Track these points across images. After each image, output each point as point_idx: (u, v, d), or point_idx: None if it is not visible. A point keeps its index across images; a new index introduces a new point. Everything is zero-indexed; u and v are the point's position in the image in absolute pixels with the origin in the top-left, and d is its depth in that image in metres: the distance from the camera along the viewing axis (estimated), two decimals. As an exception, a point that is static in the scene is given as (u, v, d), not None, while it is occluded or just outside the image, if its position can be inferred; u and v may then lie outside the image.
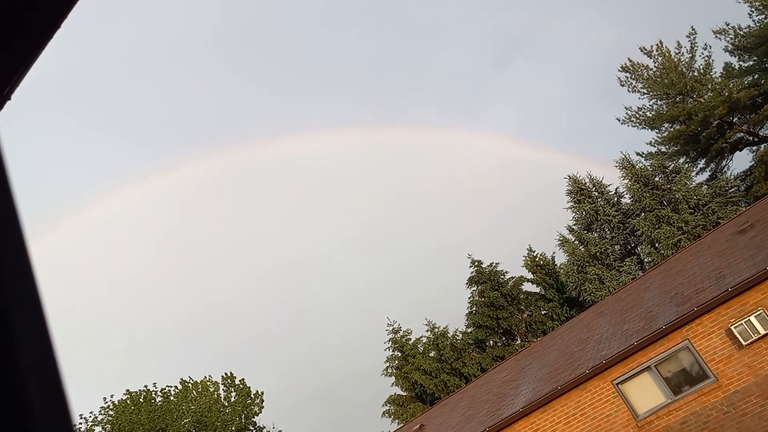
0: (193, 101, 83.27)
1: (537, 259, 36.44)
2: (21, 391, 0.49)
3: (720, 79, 32.56)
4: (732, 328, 13.21)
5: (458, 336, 36.49)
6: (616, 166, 33.00)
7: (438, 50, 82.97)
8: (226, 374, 37.98)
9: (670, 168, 32.18)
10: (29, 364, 0.51)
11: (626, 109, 35.39)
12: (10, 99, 1.42)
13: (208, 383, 37.51)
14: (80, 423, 33.47)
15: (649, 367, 14.23)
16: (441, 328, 36.81)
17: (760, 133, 32.76)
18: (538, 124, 75.44)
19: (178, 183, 76.61)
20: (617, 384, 14.56)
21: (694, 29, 33.09)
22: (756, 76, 31.83)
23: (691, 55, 33.36)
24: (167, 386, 36.81)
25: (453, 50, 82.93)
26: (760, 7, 31.08)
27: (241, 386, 37.82)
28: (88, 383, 38.20)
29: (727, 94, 31.33)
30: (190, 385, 37.24)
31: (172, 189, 77.94)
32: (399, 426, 32.33)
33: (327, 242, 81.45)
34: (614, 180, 39.26)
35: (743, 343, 13.06)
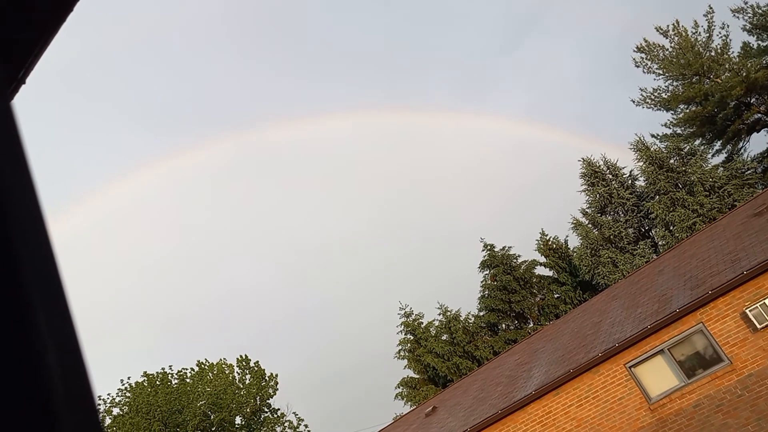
0: (212, 86, 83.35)
1: (550, 243, 36.29)
2: (43, 374, 0.50)
3: (738, 59, 31.99)
4: (747, 311, 13.11)
5: (470, 319, 36.54)
6: (631, 149, 32.71)
7: (449, 31, 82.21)
8: (240, 356, 38.42)
9: (686, 150, 31.79)
10: (52, 346, 0.51)
11: (641, 90, 34.97)
12: (24, 83, 1.44)
13: (224, 366, 37.97)
14: (99, 404, 34.09)
15: (662, 350, 14.18)
16: (453, 312, 36.89)
17: (779, 114, 32.22)
18: (550, 105, 74.69)
19: (196, 168, 77.02)
20: (630, 367, 14.53)
21: (711, 8, 32.49)
22: (775, 56, 31.24)
23: (708, 34, 32.78)
24: (183, 368, 37.35)
25: (464, 30, 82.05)
26: (780, -15, 30.41)
27: (256, 368, 38.24)
28: (110, 366, 38.83)
29: (744, 74, 30.79)
30: (206, 367, 37.74)
31: (191, 174, 78.43)
32: (412, 408, 32.58)
33: (341, 228, 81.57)
34: (628, 162, 38.87)
35: (758, 326, 12.96)
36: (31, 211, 0.59)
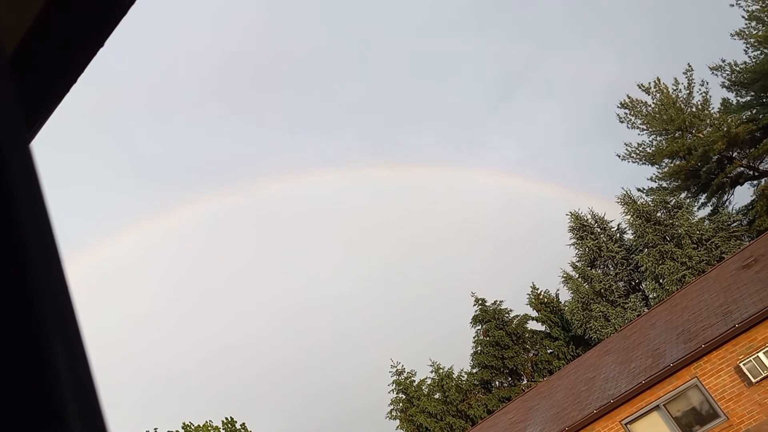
0: (200, 141, 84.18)
1: (541, 297, 36.13)
2: (59, 411, 0.51)
3: (718, 115, 32.82)
4: (741, 365, 12.98)
5: (463, 377, 35.92)
6: (618, 202, 33.04)
7: (441, 88, 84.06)
8: (226, 419, 37.35)
9: (672, 203, 32.19)
10: (69, 387, 0.54)
11: (626, 145, 35.59)
12: (40, 129, 1.46)
13: (209, 428, 36.87)
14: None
15: (658, 406, 13.94)
16: (446, 369, 36.28)
17: (760, 168, 32.84)
18: (540, 160, 75.71)
19: (186, 224, 76.78)
20: (626, 424, 14.24)
21: (690, 66, 33.54)
22: (754, 111, 32.08)
23: (688, 91, 33.71)
24: (168, 431, 36.24)
25: (456, 87, 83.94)
26: (755, 44, 31.53)
27: (242, 431, 37.15)
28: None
29: (725, 129, 31.53)
30: (191, 430, 36.62)
31: (180, 231, 78.09)
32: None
33: (333, 282, 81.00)
34: (616, 216, 39.18)
35: (753, 380, 12.81)
36: (49, 251, 0.61)
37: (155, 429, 36.03)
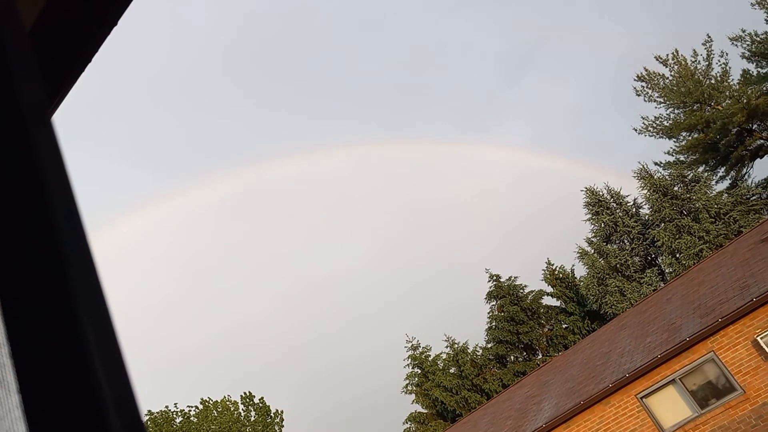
0: (209, 123, 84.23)
1: (556, 273, 36.06)
2: (95, 392, 0.52)
3: (738, 86, 32.18)
4: (758, 338, 12.92)
5: (478, 352, 36.13)
6: (634, 177, 32.72)
7: (450, 66, 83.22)
8: (245, 393, 37.97)
9: (689, 177, 31.80)
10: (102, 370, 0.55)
11: (643, 118, 35.08)
12: (59, 106, 1.48)
13: (228, 403, 37.51)
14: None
15: (673, 380, 13.95)
16: (461, 344, 36.49)
17: (781, 140, 32.28)
18: (553, 136, 75.01)
19: (198, 205, 77.29)
20: (641, 398, 14.27)
21: (709, 37, 32.83)
22: (774, 83, 31.44)
23: (707, 62, 33.05)
24: (188, 406, 36.92)
25: (465, 65, 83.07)
26: (776, 13, 30.76)
27: (261, 405, 37.77)
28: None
29: (745, 101, 30.94)
30: (210, 405, 37.29)
31: (193, 212, 78.67)
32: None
33: (346, 261, 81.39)
34: (632, 190, 38.82)
35: (770, 354, 12.76)
36: (74, 224, 0.63)
37: (175, 404, 36.74)
